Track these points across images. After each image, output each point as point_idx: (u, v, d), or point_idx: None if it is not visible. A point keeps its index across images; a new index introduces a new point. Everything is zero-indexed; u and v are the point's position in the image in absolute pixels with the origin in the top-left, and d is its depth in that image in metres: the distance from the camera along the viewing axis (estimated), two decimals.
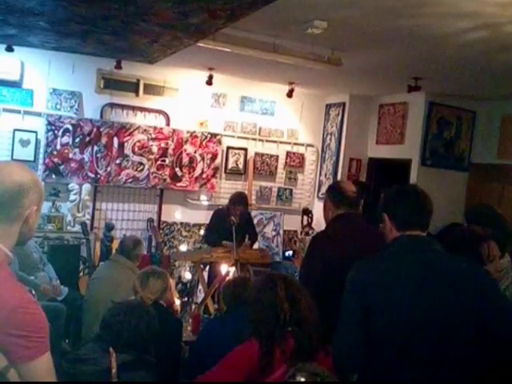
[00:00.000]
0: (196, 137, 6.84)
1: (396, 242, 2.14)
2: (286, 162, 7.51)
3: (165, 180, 6.71)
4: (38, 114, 6.11)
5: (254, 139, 7.31)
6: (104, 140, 6.33)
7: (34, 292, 4.63)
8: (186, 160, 6.80)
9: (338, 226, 3.12)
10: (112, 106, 6.51)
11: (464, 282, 1.97)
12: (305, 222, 6.61)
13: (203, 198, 7.01)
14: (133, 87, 6.62)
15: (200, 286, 5.54)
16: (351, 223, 3.11)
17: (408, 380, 1.96)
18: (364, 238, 3.04)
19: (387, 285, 2.01)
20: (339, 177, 7.15)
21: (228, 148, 7.15)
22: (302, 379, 1.75)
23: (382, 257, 2.15)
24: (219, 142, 7.00)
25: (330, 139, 7.55)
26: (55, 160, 6.11)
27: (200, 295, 5.51)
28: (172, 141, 6.69)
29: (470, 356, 1.94)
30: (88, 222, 6.13)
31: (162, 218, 6.86)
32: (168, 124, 6.78)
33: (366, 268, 2.13)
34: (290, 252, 7.31)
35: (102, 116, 6.43)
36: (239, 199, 5.67)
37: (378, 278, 2.05)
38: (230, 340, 2.53)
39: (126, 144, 6.44)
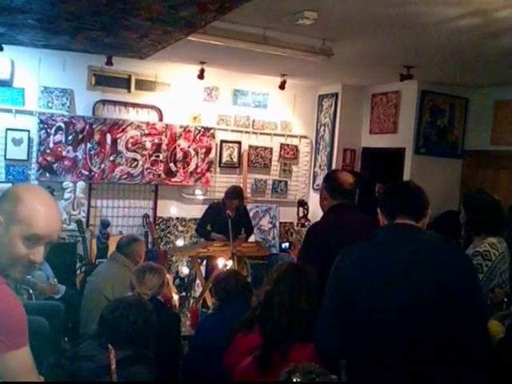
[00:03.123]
0: (189, 131, 6.82)
1: (382, 230, 2.16)
2: (280, 155, 7.51)
3: (159, 176, 6.70)
4: (30, 113, 6.08)
5: (247, 132, 7.30)
6: (97, 137, 6.30)
7: (31, 291, 4.63)
8: (179, 155, 6.79)
9: (333, 216, 3.12)
10: (104, 102, 6.48)
11: (443, 275, 1.96)
12: (300, 214, 6.60)
13: (198, 192, 7.00)
14: (124, 83, 6.59)
15: (198, 281, 5.54)
16: (347, 213, 3.12)
17: (389, 367, 1.98)
18: (359, 228, 3.04)
19: (368, 272, 2.04)
20: (334, 168, 7.15)
21: (222, 142, 7.14)
22: (298, 379, 1.74)
23: (367, 245, 2.17)
24: (213, 135, 6.98)
25: (324, 130, 7.55)
26: (48, 158, 6.09)
27: (198, 289, 5.52)
28: (165, 136, 6.67)
29: (444, 347, 1.95)
30: (83, 220, 6.13)
31: (158, 214, 6.86)
32: (161, 119, 6.76)
33: (350, 255, 2.15)
34: (287, 244, 7.32)
35: (94, 113, 6.40)
36: (235, 193, 5.68)
37: (360, 265, 2.08)
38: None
39: (119, 140, 6.41)
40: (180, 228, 6.98)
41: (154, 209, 6.83)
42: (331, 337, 2.10)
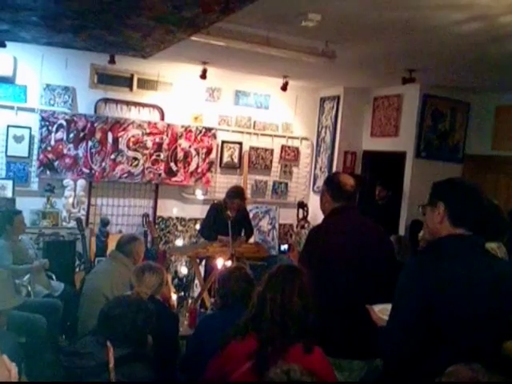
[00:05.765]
0: (190, 131, 6.82)
1: (452, 243, 2.10)
2: (280, 156, 7.51)
3: (160, 175, 6.70)
4: (32, 110, 6.09)
5: (248, 133, 7.31)
6: (98, 135, 6.31)
7: (29, 288, 4.63)
8: (180, 155, 6.79)
9: (335, 219, 3.11)
10: (106, 101, 6.49)
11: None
12: (300, 216, 6.60)
13: (198, 192, 7.00)
14: (127, 82, 6.60)
15: (196, 281, 5.54)
16: (349, 216, 3.11)
17: None
18: (361, 231, 3.04)
19: (454, 286, 2.01)
20: (334, 170, 7.15)
21: (223, 142, 7.15)
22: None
23: (442, 257, 2.09)
24: (214, 136, 6.99)
25: (325, 132, 7.55)
26: (49, 156, 6.09)
27: (196, 290, 5.52)
28: (166, 135, 6.67)
29: None
30: (83, 218, 6.12)
31: (158, 213, 6.86)
32: (162, 119, 6.76)
33: (428, 269, 2.08)
34: (286, 246, 7.32)
35: (96, 111, 6.41)
36: (236, 193, 5.65)
37: (443, 279, 2.02)
38: None
39: (120, 139, 6.42)
40: (179, 228, 6.98)
41: (154, 208, 6.83)
42: (406, 350, 2.05)
